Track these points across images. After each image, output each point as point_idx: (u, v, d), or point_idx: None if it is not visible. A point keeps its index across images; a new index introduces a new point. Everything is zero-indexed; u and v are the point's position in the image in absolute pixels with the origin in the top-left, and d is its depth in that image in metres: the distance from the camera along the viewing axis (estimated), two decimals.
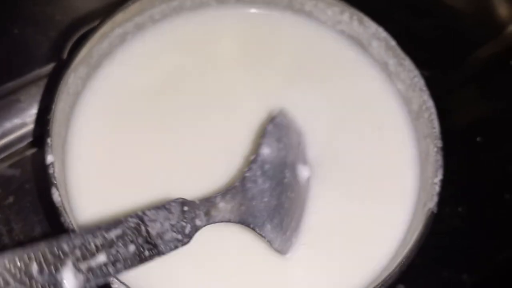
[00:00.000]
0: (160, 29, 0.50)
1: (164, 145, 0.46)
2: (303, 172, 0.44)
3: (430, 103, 0.46)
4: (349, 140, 0.48)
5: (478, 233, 0.54)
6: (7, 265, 0.30)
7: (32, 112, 0.53)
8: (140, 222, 0.36)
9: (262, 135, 0.43)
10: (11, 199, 0.51)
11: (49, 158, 0.40)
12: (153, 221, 0.36)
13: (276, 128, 0.44)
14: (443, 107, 0.48)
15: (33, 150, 0.53)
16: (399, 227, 0.45)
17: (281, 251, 0.42)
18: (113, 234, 0.34)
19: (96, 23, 0.58)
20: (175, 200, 0.38)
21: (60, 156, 0.43)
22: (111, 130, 0.46)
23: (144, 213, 0.36)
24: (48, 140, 0.40)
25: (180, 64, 0.50)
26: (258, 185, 0.42)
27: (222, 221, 0.40)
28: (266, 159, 0.42)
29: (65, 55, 0.57)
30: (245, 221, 0.41)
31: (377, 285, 0.39)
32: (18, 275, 0.31)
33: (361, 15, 0.49)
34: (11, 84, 0.54)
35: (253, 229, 0.41)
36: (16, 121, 0.53)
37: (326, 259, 0.43)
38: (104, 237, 0.34)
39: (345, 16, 0.50)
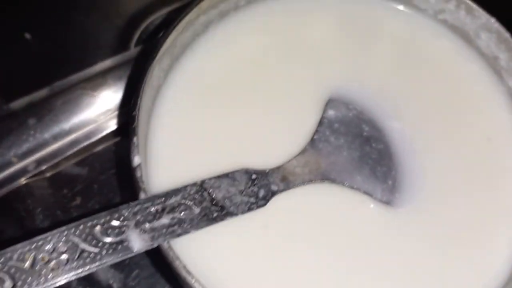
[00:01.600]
0: (243, 16, 0.46)
1: (247, 139, 0.42)
2: (393, 124, 0.43)
3: None
4: (454, 148, 0.43)
5: None
6: (74, 230, 0.32)
7: (100, 106, 0.49)
8: (201, 189, 0.36)
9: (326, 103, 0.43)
10: (78, 200, 0.47)
11: (136, 160, 0.36)
12: (216, 187, 0.37)
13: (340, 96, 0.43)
14: None
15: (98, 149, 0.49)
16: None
17: (388, 201, 0.40)
18: (172, 200, 0.35)
19: (164, 10, 0.55)
20: (237, 170, 0.38)
21: (142, 156, 0.39)
22: (192, 127, 0.42)
23: (203, 181, 0.36)
24: (135, 140, 0.36)
25: (264, 52, 0.45)
26: (331, 143, 0.41)
27: (303, 183, 0.39)
28: (334, 119, 0.42)
29: (132, 45, 0.53)
30: (329, 177, 0.40)
31: None
32: (84, 237, 0.32)
33: (470, 3, 0.44)
34: (76, 76, 0.51)
35: (341, 183, 0.40)
36: (84, 115, 0.49)
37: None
38: (163, 204, 0.35)
39: (451, 4, 0.45)
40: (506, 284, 0.38)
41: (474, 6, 0.44)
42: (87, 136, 0.49)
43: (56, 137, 0.48)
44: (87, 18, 0.54)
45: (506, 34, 0.43)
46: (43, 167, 0.47)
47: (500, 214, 0.41)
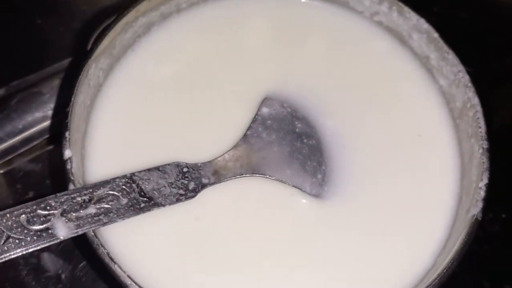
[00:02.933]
0: (186, 18, 0.48)
1: (183, 136, 0.44)
2: (326, 121, 0.45)
3: (476, 101, 0.42)
4: (385, 144, 0.45)
5: None
6: (0, 219, 0.34)
7: (53, 106, 0.51)
8: (130, 181, 0.38)
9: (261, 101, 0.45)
10: (30, 194, 0.49)
11: (67, 153, 0.38)
12: (146, 180, 0.38)
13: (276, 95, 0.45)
14: (488, 104, 0.44)
15: (50, 147, 0.51)
16: (437, 236, 0.42)
17: (317, 194, 0.42)
18: (100, 191, 0.37)
19: None
20: (169, 164, 0.40)
21: (79, 150, 0.41)
22: (131, 123, 0.44)
23: (133, 174, 0.38)
24: (67, 134, 0.38)
25: (204, 53, 0.47)
26: (263, 139, 0.43)
27: (235, 177, 0.41)
28: (267, 116, 0.44)
29: (89, 47, 0.55)
30: (259, 171, 0.42)
31: None
32: (10, 225, 0.34)
33: (401, 5, 0.46)
34: (32, 76, 0.53)
35: (271, 176, 0.42)
36: (37, 114, 0.51)
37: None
38: (91, 194, 0.36)
39: (384, 6, 0.47)
40: (428, 271, 0.40)
41: (405, 7, 0.46)
42: (40, 133, 0.51)
43: (9, 135, 0.50)
44: (45, 21, 0.56)
45: (435, 34, 0.45)
46: None
47: (423, 207, 0.43)
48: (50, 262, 0.47)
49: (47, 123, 0.51)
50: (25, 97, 0.51)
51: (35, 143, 0.51)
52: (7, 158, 0.50)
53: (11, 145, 0.50)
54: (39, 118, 0.51)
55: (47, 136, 0.50)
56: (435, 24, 0.46)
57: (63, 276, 0.47)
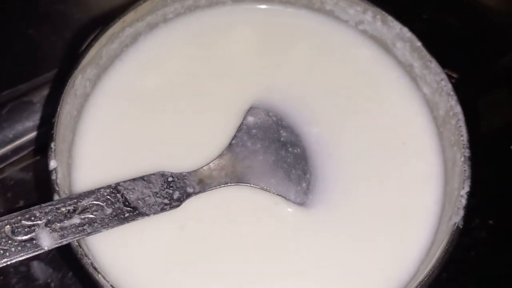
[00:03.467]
0: (173, 28, 0.48)
1: (169, 145, 0.44)
2: (311, 129, 0.45)
3: (458, 109, 0.43)
4: (370, 152, 0.45)
5: (508, 247, 0.51)
6: None
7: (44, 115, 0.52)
8: (114, 191, 0.38)
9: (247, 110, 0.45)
10: (21, 203, 0.50)
11: (52, 164, 0.38)
12: (130, 189, 0.39)
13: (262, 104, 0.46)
14: (473, 111, 0.45)
15: (38, 157, 0.51)
16: (421, 243, 0.42)
17: (302, 202, 0.42)
18: (85, 202, 0.37)
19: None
20: (154, 173, 0.40)
21: (65, 160, 0.41)
22: (118, 133, 0.44)
23: (118, 184, 0.39)
24: (52, 145, 0.39)
25: (191, 62, 0.48)
26: (247, 148, 0.43)
27: (219, 186, 0.42)
28: (252, 125, 0.44)
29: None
30: (244, 180, 0.42)
31: None
32: None
33: (385, 14, 0.46)
34: (24, 86, 0.53)
35: (255, 185, 0.42)
36: (28, 124, 0.51)
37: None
38: (75, 204, 0.37)
39: (368, 16, 0.47)
40: (412, 278, 0.40)
41: (389, 16, 0.46)
42: (31, 142, 0.51)
43: (0, 144, 0.50)
44: (37, 30, 0.57)
45: (418, 43, 0.46)
46: None
47: (408, 214, 0.43)
48: (39, 271, 0.48)
49: (37, 132, 0.51)
50: (16, 107, 0.52)
51: (25, 152, 0.51)
52: None
53: (2, 154, 0.50)
54: (30, 127, 0.51)
55: (33, 147, 0.51)
56: (424, 30, 0.46)
57: (52, 284, 0.47)
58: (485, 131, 0.55)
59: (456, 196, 0.40)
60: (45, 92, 0.53)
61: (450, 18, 0.61)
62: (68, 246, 0.37)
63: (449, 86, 0.43)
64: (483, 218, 0.51)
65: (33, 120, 0.52)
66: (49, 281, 0.48)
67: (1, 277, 0.47)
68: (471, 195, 0.40)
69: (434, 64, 0.44)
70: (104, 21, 0.56)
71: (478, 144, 0.43)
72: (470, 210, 0.42)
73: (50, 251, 0.47)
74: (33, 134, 0.51)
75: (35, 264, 0.48)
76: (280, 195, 0.42)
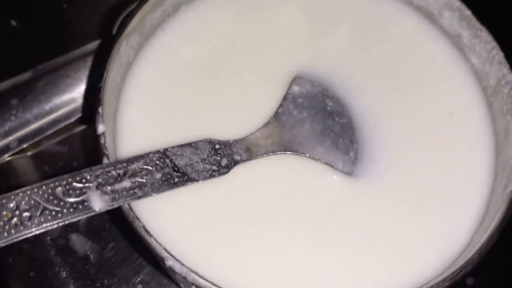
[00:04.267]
0: None
1: (215, 113, 0.44)
2: (357, 101, 0.45)
3: (511, 77, 0.42)
4: (416, 123, 0.45)
5: None
6: (36, 191, 0.34)
7: (80, 88, 0.51)
8: (163, 156, 0.38)
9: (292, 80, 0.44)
10: None
11: (100, 128, 0.38)
12: (179, 155, 0.38)
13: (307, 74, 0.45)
14: None
15: (82, 127, 0.51)
16: (473, 214, 0.41)
17: (349, 172, 0.42)
18: (134, 166, 0.37)
19: None
20: (201, 140, 0.40)
21: (111, 128, 0.41)
22: (162, 102, 0.44)
23: (166, 149, 0.38)
24: (100, 109, 0.38)
25: (234, 33, 0.47)
26: (294, 116, 0.43)
27: (266, 154, 0.41)
28: (298, 95, 0.43)
29: (114, 31, 0.55)
30: (291, 148, 0.42)
31: (456, 271, 0.35)
32: (46, 197, 0.34)
33: None
34: (59, 59, 0.53)
35: (303, 154, 0.41)
36: (64, 96, 0.51)
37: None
38: (125, 168, 0.36)
39: None
40: (465, 249, 0.40)
41: None
42: (67, 116, 0.51)
43: (37, 117, 0.50)
44: (70, 6, 0.56)
45: (467, 12, 0.45)
46: (25, 145, 0.50)
47: (457, 185, 0.42)
48: (78, 243, 0.47)
49: (74, 105, 0.51)
50: (52, 80, 0.51)
51: (62, 125, 0.51)
52: (34, 140, 0.50)
53: (39, 127, 0.50)
54: (66, 100, 0.51)
55: (74, 118, 0.51)
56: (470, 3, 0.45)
57: (91, 257, 0.47)
58: None
59: (510, 165, 0.39)
60: (80, 65, 0.52)
61: None
62: (112, 215, 0.36)
63: (501, 54, 0.43)
64: None
65: (69, 92, 0.51)
66: (88, 253, 0.47)
67: (40, 250, 0.47)
68: None
69: (484, 33, 0.44)
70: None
71: None
72: None
73: (88, 222, 0.47)
74: (70, 107, 0.51)
75: (73, 236, 0.47)
76: (328, 164, 0.42)
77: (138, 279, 0.46)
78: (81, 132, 0.50)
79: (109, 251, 0.47)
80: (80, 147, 0.50)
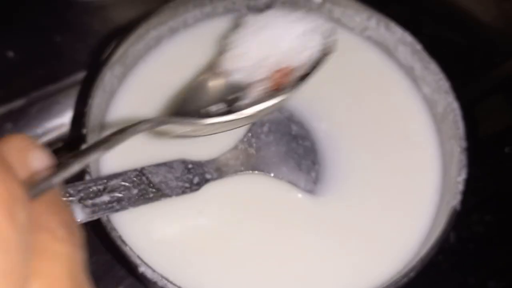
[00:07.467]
0: (192, 33, 0.52)
1: (193, 139, 0.46)
2: (320, 125, 0.49)
3: (455, 105, 0.46)
4: (374, 146, 0.49)
5: (504, 241, 0.54)
6: None
7: (69, 114, 0.56)
8: (140, 173, 0.42)
9: None
10: None
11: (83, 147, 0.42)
12: (154, 173, 0.42)
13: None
14: (470, 117, 0.48)
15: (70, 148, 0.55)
16: (423, 227, 0.45)
17: (311, 190, 0.46)
18: (113, 182, 0.40)
19: None
20: (176, 160, 0.44)
21: None
22: None
23: (143, 167, 0.42)
24: (83, 131, 0.42)
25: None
26: (261, 139, 0.47)
27: (235, 173, 0.45)
28: (265, 120, 0.48)
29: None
30: (258, 168, 0.46)
31: (400, 277, 0.39)
32: None
33: (388, 20, 0.51)
34: (52, 87, 0.57)
35: (268, 173, 0.46)
36: (56, 121, 0.55)
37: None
38: (105, 184, 0.40)
39: (372, 22, 0.52)
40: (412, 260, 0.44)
41: (391, 22, 0.51)
42: (58, 138, 0.55)
43: None
44: (63, 38, 0.61)
45: (418, 46, 0.50)
46: None
47: (410, 203, 0.46)
48: None
49: (64, 129, 0.55)
50: (44, 106, 0.56)
51: (53, 148, 0.55)
52: None
53: None
54: (57, 125, 0.55)
55: (64, 142, 0.55)
56: (424, 42, 0.50)
57: None
58: (481, 136, 0.59)
59: (454, 183, 0.44)
60: (70, 93, 0.57)
61: (449, 33, 0.65)
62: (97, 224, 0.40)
63: (447, 84, 0.47)
64: (480, 214, 0.55)
65: (60, 118, 0.56)
66: None
67: None
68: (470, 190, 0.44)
69: (433, 66, 0.48)
70: (120, 32, 0.61)
71: (475, 147, 0.46)
72: (469, 207, 0.46)
73: None
74: (60, 131, 0.55)
75: None
76: (291, 183, 0.46)
77: None
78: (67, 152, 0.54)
79: (92, 264, 0.50)
80: None
